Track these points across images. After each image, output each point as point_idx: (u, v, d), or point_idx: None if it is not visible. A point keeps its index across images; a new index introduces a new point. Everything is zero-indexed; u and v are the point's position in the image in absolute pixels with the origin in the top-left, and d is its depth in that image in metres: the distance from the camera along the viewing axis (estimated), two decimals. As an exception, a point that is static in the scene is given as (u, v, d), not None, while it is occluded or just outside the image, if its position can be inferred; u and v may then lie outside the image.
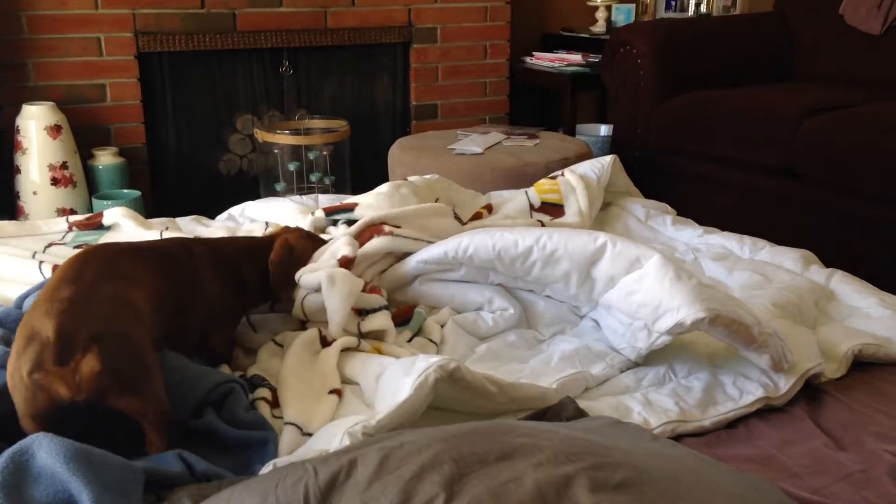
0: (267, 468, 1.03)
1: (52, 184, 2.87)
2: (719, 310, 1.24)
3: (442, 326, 1.50)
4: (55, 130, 2.85)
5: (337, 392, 1.26)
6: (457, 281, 1.57)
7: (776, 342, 1.27)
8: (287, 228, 1.61)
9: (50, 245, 1.83)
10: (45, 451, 0.92)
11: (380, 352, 1.37)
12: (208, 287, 1.37)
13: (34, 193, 2.87)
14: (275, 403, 1.25)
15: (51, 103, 2.88)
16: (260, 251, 1.49)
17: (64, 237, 1.90)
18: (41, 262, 1.69)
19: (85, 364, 1.01)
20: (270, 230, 1.71)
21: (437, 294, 1.58)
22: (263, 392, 1.26)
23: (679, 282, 1.30)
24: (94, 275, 1.14)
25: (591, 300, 1.48)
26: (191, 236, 1.53)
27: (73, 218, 2.00)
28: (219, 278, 1.39)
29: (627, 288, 1.37)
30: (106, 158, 3.03)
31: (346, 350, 1.36)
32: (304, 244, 1.54)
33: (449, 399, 1.20)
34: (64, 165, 2.88)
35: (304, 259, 1.52)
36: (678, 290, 1.29)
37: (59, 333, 1.02)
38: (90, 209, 2.91)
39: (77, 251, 1.25)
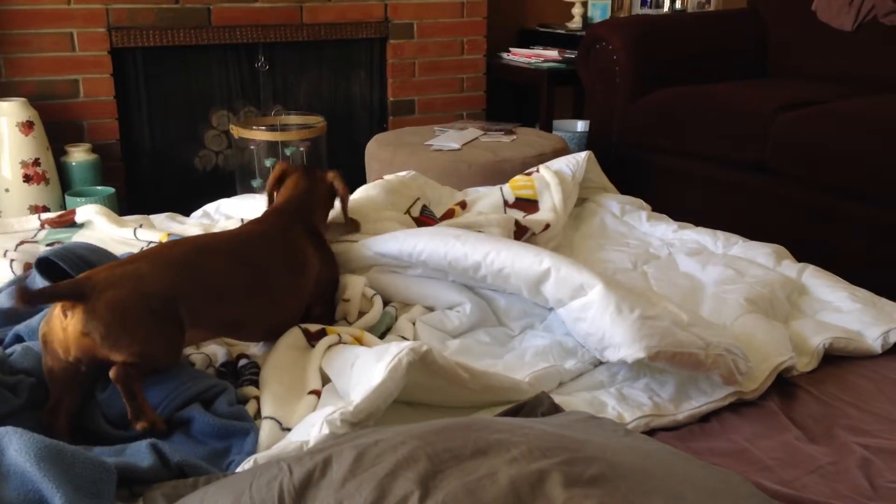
0: (247, 464, 1.03)
1: (24, 181, 2.83)
2: (659, 346, 1.25)
3: (413, 324, 1.50)
4: (27, 127, 2.82)
5: (316, 393, 1.26)
6: (417, 276, 1.59)
7: (726, 360, 1.27)
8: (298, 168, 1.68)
9: (21, 243, 1.81)
10: (15, 449, 0.91)
11: (361, 342, 1.38)
12: (311, 266, 1.46)
13: (6, 191, 2.84)
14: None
15: (23, 99, 2.85)
16: (321, 199, 1.62)
17: (36, 235, 1.89)
18: (12, 260, 1.67)
19: (70, 325, 1.11)
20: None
21: (398, 288, 1.59)
22: (255, 391, 1.26)
23: (619, 317, 1.30)
24: (134, 256, 1.27)
25: (548, 306, 1.49)
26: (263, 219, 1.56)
27: (45, 215, 1.98)
28: (317, 253, 1.49)
29: (574, 314, 1.38)
30: (79, 155, 3.00)
31: (330, 347, 1.36)
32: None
33: (422, 388, 1.20)
34: (36, 162, 2.85)
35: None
36: (619, 326, 1.29)
37: (50, 289, 1.15)
38: (63, 206, 2.88)
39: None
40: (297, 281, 1.43)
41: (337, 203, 1.68)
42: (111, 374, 1.10)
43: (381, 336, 1.46)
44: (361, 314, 1.51)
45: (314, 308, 1.47)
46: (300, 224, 1.51)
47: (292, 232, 1.48)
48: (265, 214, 1.55)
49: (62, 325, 1.11)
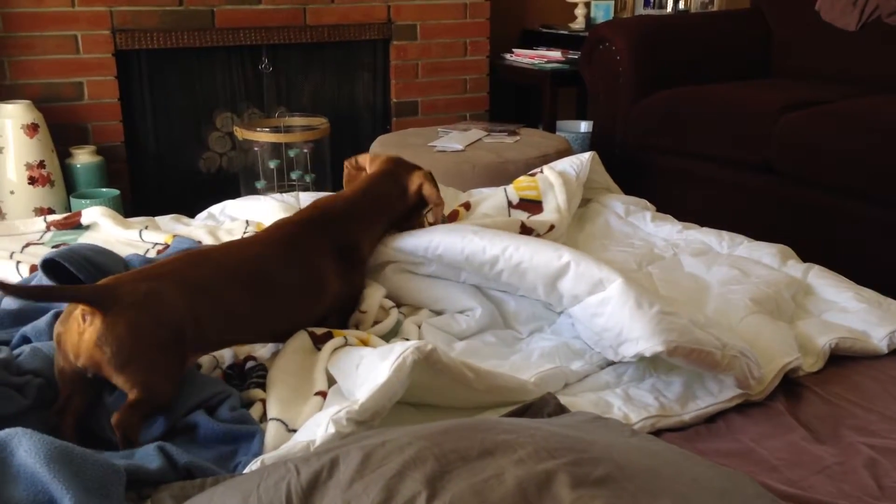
0: (254, 465, 1.03)
1: (29, 183, 2.84)
2: (678, 341, 1.25)
3: (419, 327, 1.51)
4: (32, 129, 2.83)
5: (322, 394, 1.26)
6: (429, 276, 1.58)
7: (741, 363, 1.27)
8: (400, 162, 1.67)
9: (28, 245, 1.81)
10: (25, 450, 0.92)
11: (367, 344, 1.38)
12: (328, 284, 1.43)
13: (11, 193, 2.85)
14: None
15: (27, 101, 2.85)
16: (377, 206, 1.57)
17: (42, 237, 1.89)
18: (18, 262, 1.68)
19: (87, 332, 1.10)
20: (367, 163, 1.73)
21: (410, 291, 1.59)
22: (261, 394, 1.26)
23: (639, 311, 1.30)
24: (158, 269, 1.24)
25: (561, 306, 1.49)
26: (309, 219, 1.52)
27: (50, 217, 1.99)
28: (338, 271, 1.44)
29: (591, 310, 1.38)
30: (84, 157, 3.01)
31: (336, 349, 1.37)
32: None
33: (427, 389, 1.20)
34: (41, 164, 2.85)
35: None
36: (638, 320, 1.29)
37: (79, 290, 1.15)
38: (68, 208, 2.89)
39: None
40: (310, 301, 1.41)
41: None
42: (113, 420, 1.09)
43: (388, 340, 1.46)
44: (375, 322, 1.51)
45: (329, 319, 1.45)
46: (329, 237, 1.46)
47: (314, 248, 1.43)
48: (293, 223, 1.48)
49: (79, 330, 1.11)
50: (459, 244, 1.51)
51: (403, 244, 1.57)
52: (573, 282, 1.41)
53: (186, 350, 1.20)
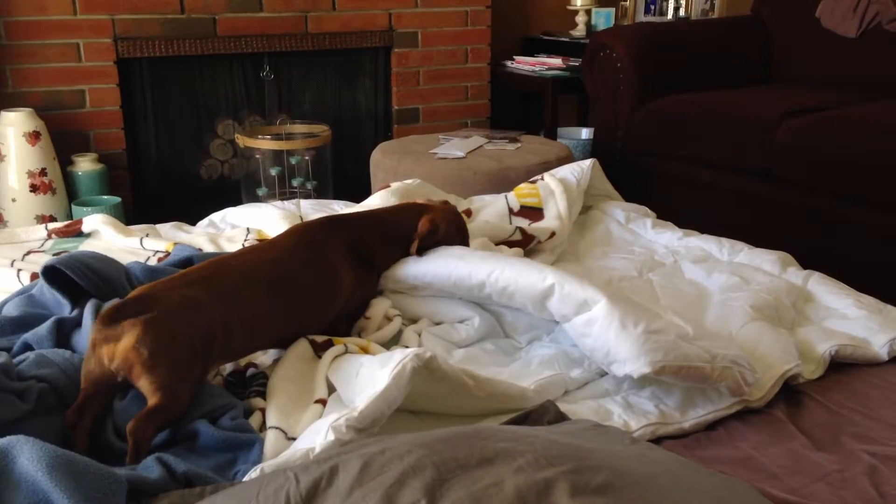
0: (253, 473, 1.03)
1: (31, 191, 2.85)
2: (664, 360, 1.25)
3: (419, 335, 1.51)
4: (34, 137, 2.83)
5: (322, 402, 1.26)
6: (426, 297, 1.59)
7: (733, 371, 1.26)
8: (431, 205, 1.67)
9: (29, 253, 1.82)
10: (27, 458, 0.92)
11: (367, 352, 1.38)
12: (343, 285, 1.44)
13: (13, 200, 2.86)
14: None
15: (29, 109, 2.86)
16: (392, 228, 1.59)
17: (43, 245, 1.89)
18: (19, 269, 1.68)
19: (125, 337, 1.12)
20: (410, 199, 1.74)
21: (407, 306, 1.59)
22: (261, 403, 1.27)
23: (624, 332, 1.29)
24: (190, 277, 1.25)
25: (555, 319, 1.49)
26: (326, 221, 1.53)
27: (52, 225, 1.99)
28: (353, 272, 1.46)
29: (579, 329, 1.38)
30: (85, 165, 3.01)
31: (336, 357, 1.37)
32: (447, 227, 1.62)
33: (427, 396, 1.20)
34: (43, 172, 2.86)
35: (447, 240, 1.61)
36: (623, 341, 1.29)
37: (120, 304, 1.15)
38: (70, 216, 2.90)
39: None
40: (326, 301, 1.43)
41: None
42: (129, 426, 1.10)
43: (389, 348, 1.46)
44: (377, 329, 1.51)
45: (338, 325, 1.46)
46: (344, 237, 1.48)
47: (329, 245, 1.45)
48: (309, 224, 1.51)
49: (116, 333, 1.13)
50: (445, 270, 1.52)
51: (395, 273, 1.58)
52: (559, 303, 1.41)
53: (210, 360, 1.21)
